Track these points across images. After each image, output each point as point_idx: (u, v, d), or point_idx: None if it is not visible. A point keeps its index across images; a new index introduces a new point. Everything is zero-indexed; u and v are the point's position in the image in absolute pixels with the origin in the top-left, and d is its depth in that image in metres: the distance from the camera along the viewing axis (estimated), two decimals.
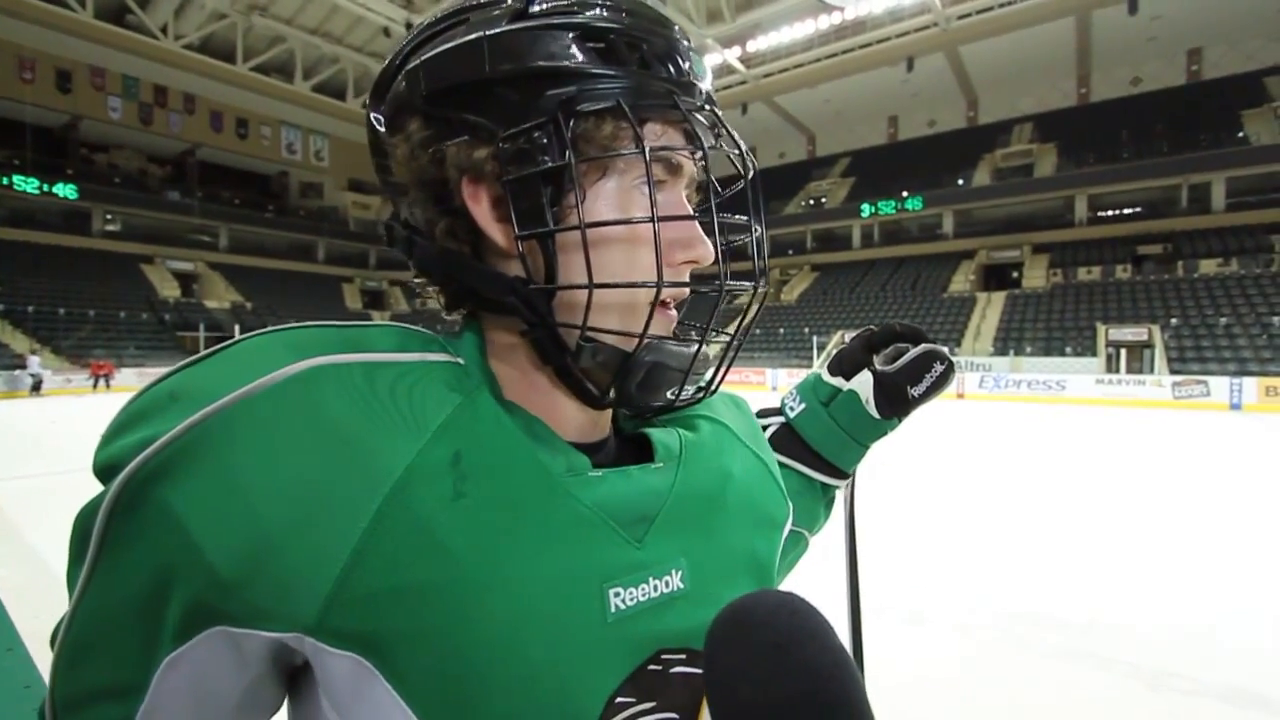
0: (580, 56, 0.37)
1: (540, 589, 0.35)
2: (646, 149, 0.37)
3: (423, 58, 0.39)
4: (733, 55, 25.08)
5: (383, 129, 0.42)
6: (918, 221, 28.16)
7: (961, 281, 24.51)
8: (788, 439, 0.63)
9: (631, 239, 0.39)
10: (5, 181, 23.53)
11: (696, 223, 0.41)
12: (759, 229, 0.44)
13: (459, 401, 0.36)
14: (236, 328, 23.77)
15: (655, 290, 0.38)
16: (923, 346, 0.60)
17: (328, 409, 0.33)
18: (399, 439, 0.33)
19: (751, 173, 0.43)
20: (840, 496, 0.67)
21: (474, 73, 0.37)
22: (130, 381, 19.68)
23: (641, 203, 0.39)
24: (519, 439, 0.37)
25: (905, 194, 26.89)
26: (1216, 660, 2.71)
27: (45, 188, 24.49)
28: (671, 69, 0.39)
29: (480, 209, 0.39)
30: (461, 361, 0.39)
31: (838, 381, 0.63)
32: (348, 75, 29.32)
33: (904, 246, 28.23)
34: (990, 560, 4.05)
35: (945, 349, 0.61)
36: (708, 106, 0.41)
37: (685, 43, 0.41)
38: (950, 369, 0.60)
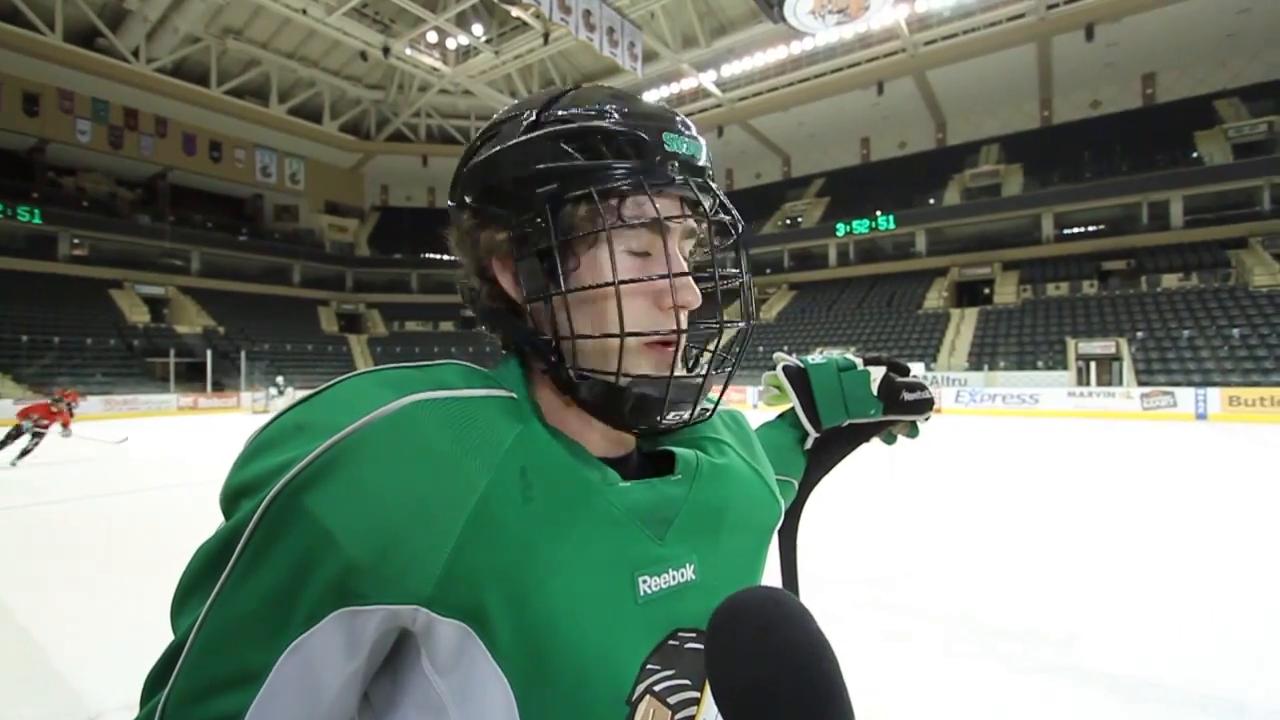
0: (564, 157, 0.47)
1: (588, 573, 0.44)
2: (607, 224, 0.47)
3: (467, 166, 0.52)
4: (708, 79, 25.56)
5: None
6: (891, 240, 28.73)
7: (935, 298, 24.99)
8: (797, 377, 0.81)
9: (610, 295, 0.48)
10: None
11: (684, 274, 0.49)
12: (744, 276, 0.54)
13: (520, 429, 0.46)
14: (209, 353, 23.28)
15: (644, 335, 0.48)
16: (928, 391, 0.84)
17: (427, 435, 0.42)
18: (481, 458, 0.43)
19: (738, 229, 0.52)
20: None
21: (494, 177, 0.49)
22: (97, 409, 19.07)
23: (617, 265, 0.48)
24: (565, 457, 0.47)
25: (879, 213, 27.46)
26: (1194, 669, 2.74)
27: (8, 212, 23.89)
28: (645, 154, 0.47)
29: (505, 279, 0.51)
30: (515, 396, 0.49)
31: (859, 361, 0.82)
32: (324, 98, 29.25)
33: (879, 264, 28.76)
34: (971, 575, 4.07)
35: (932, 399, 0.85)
36: (681, 177, 0.48)
37: (667, 127, 0.49)
38: (929, 404, 0.84)
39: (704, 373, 0.52)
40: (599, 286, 0.47)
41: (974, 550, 4.66)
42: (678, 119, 0.50)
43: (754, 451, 0.63)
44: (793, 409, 0.81)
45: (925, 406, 0.82)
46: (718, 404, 0.55)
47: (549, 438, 0.47)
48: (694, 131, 0.51)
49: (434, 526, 0.40)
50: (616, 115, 0.48)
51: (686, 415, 0.51)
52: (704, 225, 0.52)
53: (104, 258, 27.19)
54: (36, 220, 24.69)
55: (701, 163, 0.50)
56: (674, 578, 0.48)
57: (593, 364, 0.49)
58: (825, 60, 24.49)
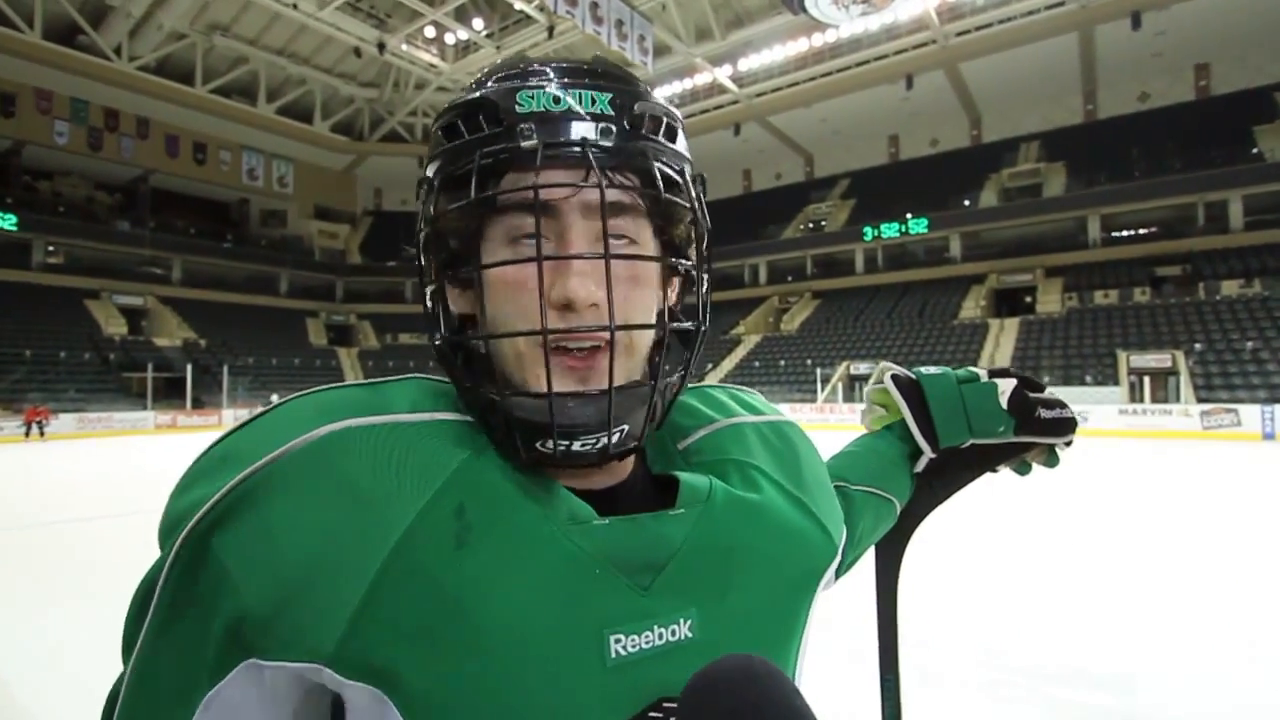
0: (439, 144, 0.45)
1: (537, 632, 0.39)
2: (430, 211, 0.44)
3: None
4: (724, 74, 25.82)
5: None
6: (923, 244, 28.70)
7: (972, 307, 24.86)
8: (909, 387, 0.73)
9: (491, 295, 0.43)
10: None
11: (562, 260, 0.42)
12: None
13: (465, 457, 0.42)
14: (189, 367, 23.56)
15: (510, 336, 0.43)
16: (1068, 409, 0.74)
17: (344, 470, 0.40)
18: (405, 496, 0.40)
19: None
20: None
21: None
22: (69, 428, 19.32)
23: (489, 255, 0.43)
24: (522, 490, 0.42)
25: (909, 216, 27.46)
26: (1268, 718, 2.66)
27: None
28: (501, 121, 0.42)
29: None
30: (470, 419, 0.45)
31: (982, 373, 0.74)
32: (315, 97, 29.80)
33: (910, 271, 28.71)
34: (1015, 611, 4.00)
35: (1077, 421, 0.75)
36: (531, 142, 0.41)
37: (523, 83, 0.43)
38: (1070, 425, 0.73)
39: (605, 387, 0.42)
40: (451, 276, 0.45)
41: (1015, 583, 4.58)
42: (545, 68, 0.45)
43: (800, 477, 0.55)
44: (901, 421, 0.73)
45: (1066, 428, 0.73)
46: (653, 421, 0.46)
47: (502, 467, 0.43)
48: (577, 79, 0.44)
49: (341, 575, 0.38)
50: (488, 84, 0.44)
51: (600, 441, 0.43)
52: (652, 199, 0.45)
53: (80, 266, 27.69)
54: (10, 226, 25.24)
55: (587, 113, 0.42)
56: (661, 636, 0.42)
57: (493, 378, 0.44)
58: (850, 53, 24.68)
